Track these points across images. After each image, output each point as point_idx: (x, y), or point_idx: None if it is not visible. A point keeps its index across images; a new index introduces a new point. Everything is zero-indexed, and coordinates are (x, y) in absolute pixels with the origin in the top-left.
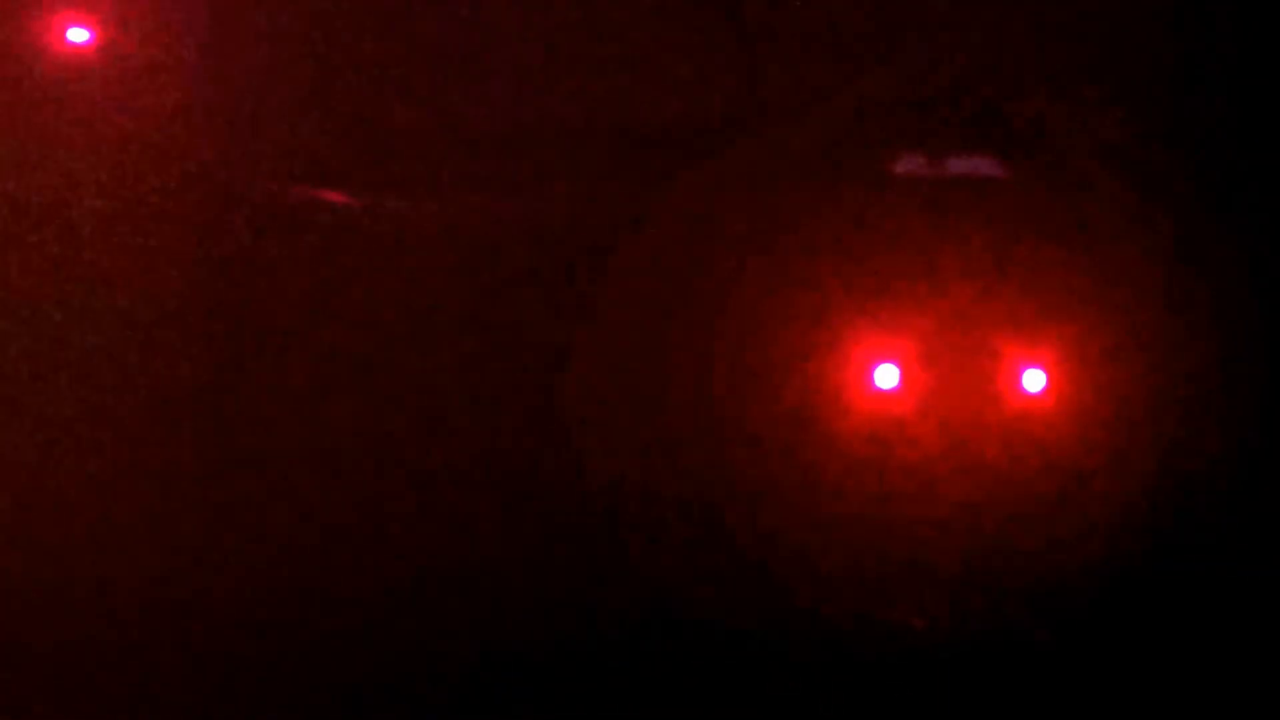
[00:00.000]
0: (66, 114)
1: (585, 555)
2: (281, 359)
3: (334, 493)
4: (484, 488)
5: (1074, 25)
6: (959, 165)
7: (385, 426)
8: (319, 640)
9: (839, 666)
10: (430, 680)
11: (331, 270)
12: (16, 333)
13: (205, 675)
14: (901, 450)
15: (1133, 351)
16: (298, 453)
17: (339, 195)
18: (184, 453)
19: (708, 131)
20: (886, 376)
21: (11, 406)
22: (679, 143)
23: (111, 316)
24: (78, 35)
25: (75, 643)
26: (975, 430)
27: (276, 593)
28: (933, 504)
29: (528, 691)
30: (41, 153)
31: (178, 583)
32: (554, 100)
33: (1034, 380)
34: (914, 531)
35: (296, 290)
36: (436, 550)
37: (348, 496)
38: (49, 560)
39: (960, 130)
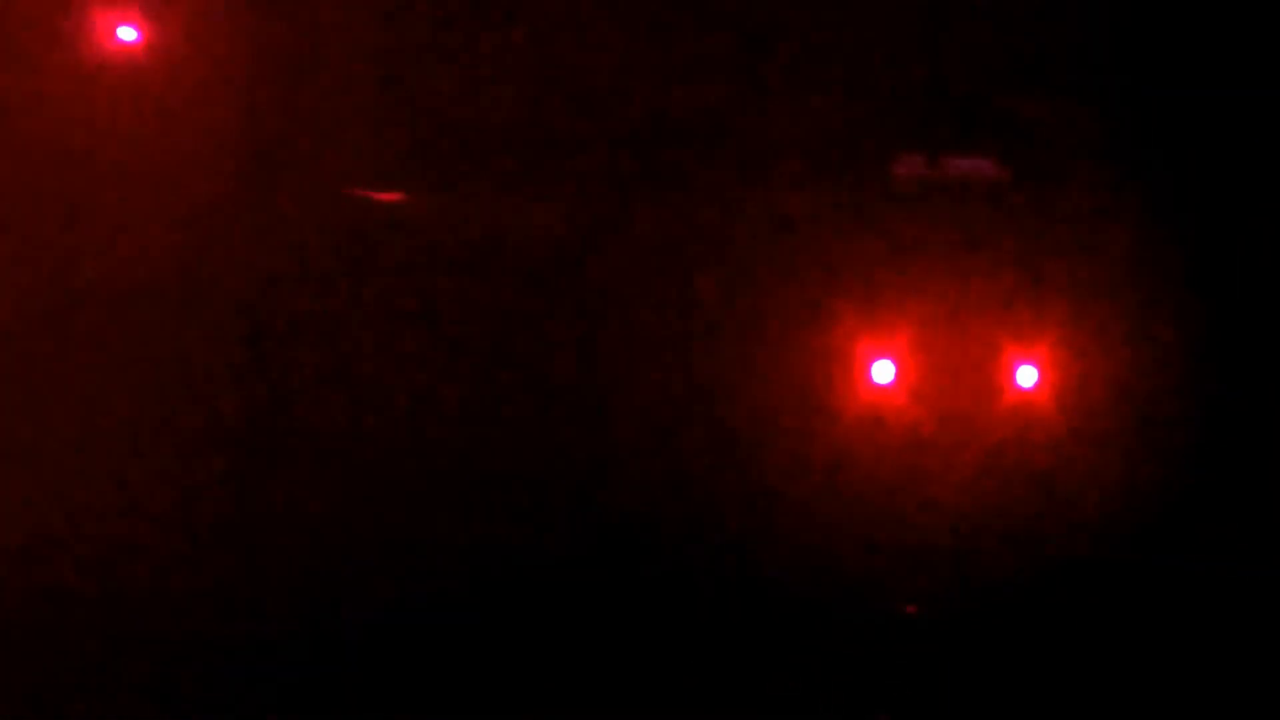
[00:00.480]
0: (119, 113)
1: (590, 545)
2: (320, 349)
3: (369, 485)
4: (503, 482)
5: (1072, 27)
6: (957, 166)
7: (414, 417)
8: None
9: (835, 653)
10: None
11: (376, 266)
12: (64, 329)
13: (220, 667)
14: (896, 444)
15: (1124, 348)
16: (332, 442)
17: (386, 194)
18: (223, 446)
19: (708, 131)
20: (882, 372)
21: (51, 403)
22: (680, 143)
23: (157, 310)
24: (132, 34)
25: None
26: (969, 425)
27: (305, 587)
28: (927, 496)
29: (531, 688)
30: (95, 152)
31: (207, 578)
32: (562, 102)
33: (1027, 376)
34: (909, 521)
35: (340, 285)
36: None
37: (381, 488)
38: (73, 556)
39: (958, 131)
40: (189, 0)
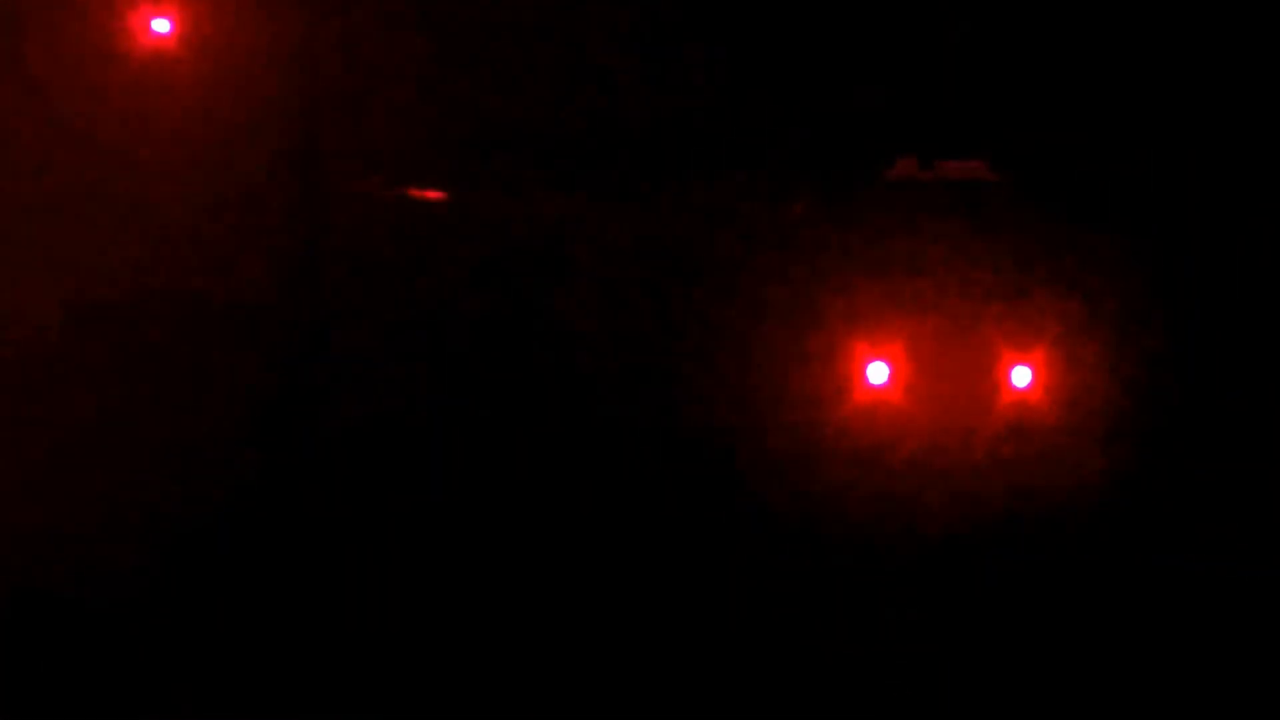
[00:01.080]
0: (154, 105)
1: (583, 545)
2: (359, 345)
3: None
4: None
5: (1067, 34)
6: (950, 170)
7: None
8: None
9: (833, 651)
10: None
11: (412, 262)
12: (100, 319)
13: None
14: (891, 444)
15: (1119, 349)
16: (361, 438)
17: (422, 190)
18: (250, 441)
19: (707, 135)
20: (877, 373)
21: (69, 397)
22: (679, 146)
23: (196, 305)
24: (166, 27)
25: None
26: (964, 425)
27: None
28: (922, 495)
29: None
30: (130, 143)
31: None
32: (570, 103)
33: (1021, 376)
34: (905, 520)
35: (376, 281)
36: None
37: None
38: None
39: (952, 135)
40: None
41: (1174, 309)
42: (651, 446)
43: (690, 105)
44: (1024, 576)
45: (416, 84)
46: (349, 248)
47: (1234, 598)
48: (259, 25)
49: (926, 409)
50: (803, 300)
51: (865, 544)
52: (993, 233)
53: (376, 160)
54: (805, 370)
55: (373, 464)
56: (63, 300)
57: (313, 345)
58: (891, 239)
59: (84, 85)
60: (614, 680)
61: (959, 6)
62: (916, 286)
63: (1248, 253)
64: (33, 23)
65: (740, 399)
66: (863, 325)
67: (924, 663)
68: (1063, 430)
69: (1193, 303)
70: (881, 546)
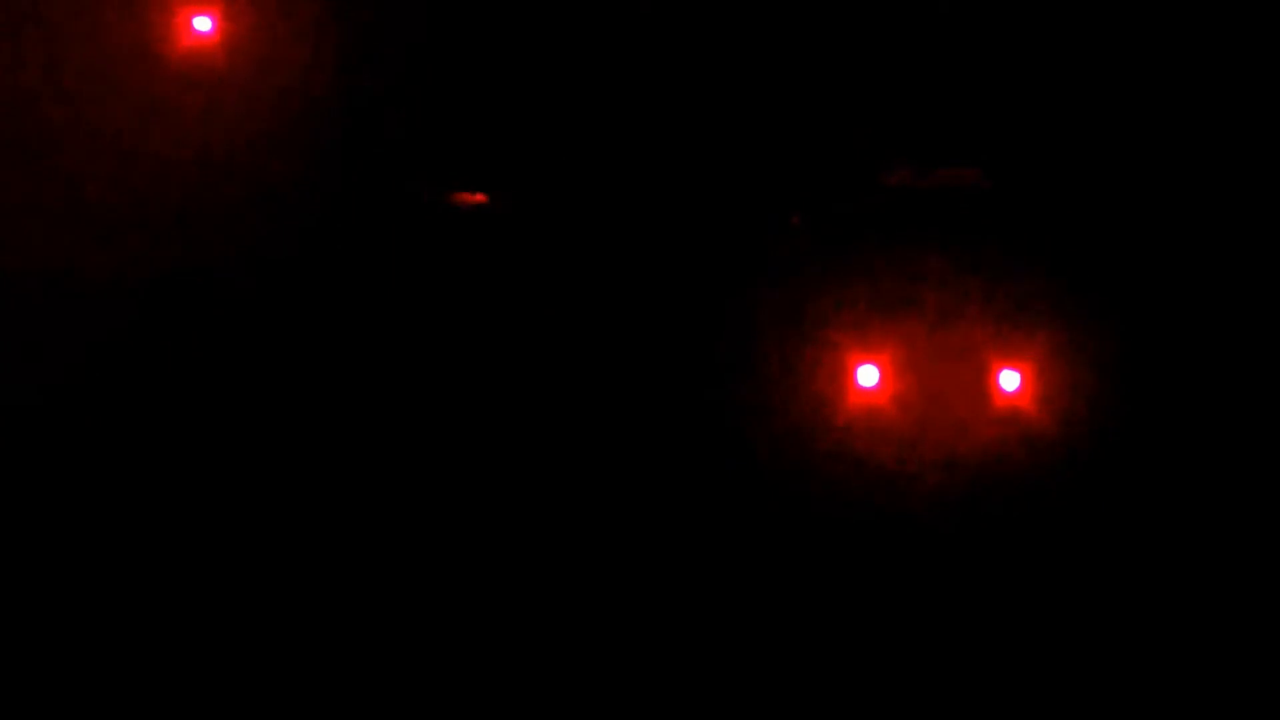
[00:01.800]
0: (196, 104)
1: (578, 549)
2: (398, 346)
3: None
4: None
5: (1063, 41)
6: (943, 174)
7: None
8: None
9: (826, 657)
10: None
11: (451, 266)
12: (137, 319)
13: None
14: (881, 447)
15: (1110, 353)
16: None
17: (459, 192)
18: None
19: (704, 140)
20: (867, 376)
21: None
22: (676, 151)
23: (232, 306)
24: (206, 25)
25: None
26: (954, 429)
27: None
28: (912, 500)
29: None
30: (168, 142)
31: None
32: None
33: (1011, 381)
34: (894, 525)
35: (405, 284)
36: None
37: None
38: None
39: (947, 143)
40: None
41: (1168, 315)
42: (643, 449)
43: (687, 112)
44: (1017, 579)
45: (458, 85)
46: (389, 251)
47: (1233, 599)
48: (300, 24)
49: (916, 412)
50: (796, 303)
51: (855, 546)
52: (986, 239)
53: (418, 162)
54: (796, 373)
55: (389, 467)
56: (95, 296)
57: (349, 347)
58: (885, 244)
59: (122, 83)
60: (608, 683)
61: (955, 13)
62: (908, 291)
63: (1243, 259)
64: (70, 20)
65: (733, 401)
66: (854, 329)
67: (917, 666)
68: (1055, 435)
69: (1187, 309)
70: (871, 548)
